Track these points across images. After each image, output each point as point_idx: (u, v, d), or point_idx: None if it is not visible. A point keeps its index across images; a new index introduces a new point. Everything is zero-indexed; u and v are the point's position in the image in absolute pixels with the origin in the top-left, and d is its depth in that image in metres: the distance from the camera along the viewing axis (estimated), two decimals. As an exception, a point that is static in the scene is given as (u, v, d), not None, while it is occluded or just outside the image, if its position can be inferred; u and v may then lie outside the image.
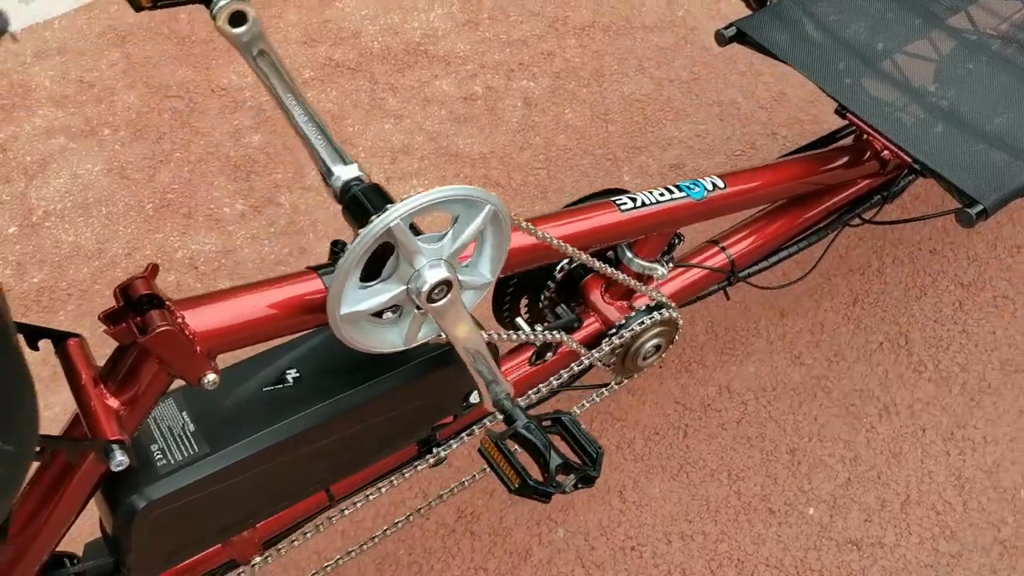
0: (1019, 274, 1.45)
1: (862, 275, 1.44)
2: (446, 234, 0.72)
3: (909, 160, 1.05)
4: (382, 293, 0.72)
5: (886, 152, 1.18)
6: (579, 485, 0.79)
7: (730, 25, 1.15)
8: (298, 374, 0.81)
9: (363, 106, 1.66)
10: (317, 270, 0.75)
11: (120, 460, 0.64)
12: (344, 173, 0.77)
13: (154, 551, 0.78)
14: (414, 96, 1.68)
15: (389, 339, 0.76)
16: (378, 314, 0.74)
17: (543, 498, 0.77)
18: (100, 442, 0.64)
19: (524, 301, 1.07)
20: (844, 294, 1.41)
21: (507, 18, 1.81)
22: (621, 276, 0.95)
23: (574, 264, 1.02)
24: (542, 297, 1.04)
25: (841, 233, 1.24)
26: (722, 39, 1.16)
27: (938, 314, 1.40)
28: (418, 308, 0.75)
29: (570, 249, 0.85)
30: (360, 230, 0.68)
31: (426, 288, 0.71)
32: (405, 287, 0.72)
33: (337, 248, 0.78)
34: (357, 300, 0.71)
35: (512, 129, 1.63)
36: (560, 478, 0.77)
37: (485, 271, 0.77)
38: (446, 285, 0.72)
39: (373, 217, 0.68)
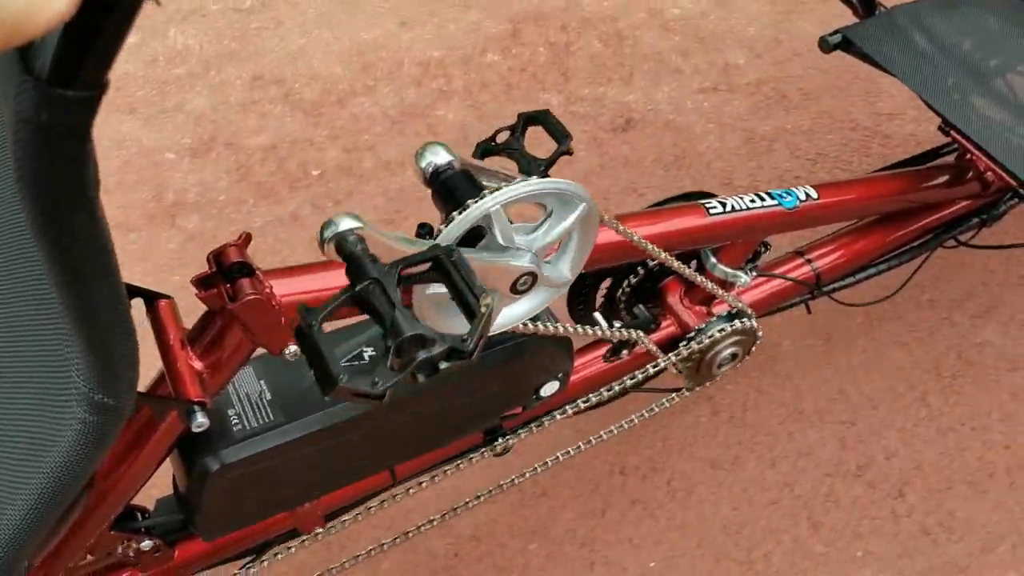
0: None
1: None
2: (539, 227, 0.72)
3: (1015, 183, 1.00)
4: None
5: (990, 173, 1.14)
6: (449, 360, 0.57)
7: (836, 32, 1.12)
8: (375, 353, 0.82)
9: None
10: None
11: (201, 421, 0.66)
12: (436, 158, 0.77)
13: (223, 513, 0.79)
14: None
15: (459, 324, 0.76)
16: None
17: (365, 398, 0.56)
18: (183, 402, 0.65)
19: (599, 298, 1.06)
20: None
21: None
22: (703, 281, 0.93)
23: (655, 265, 1.01)
24: (619, 295, 1.03)
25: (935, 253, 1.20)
26: (827, 46, 1.12)
27: None
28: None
29: (655, 250, 0.84)
30: (456, 213, 0.68)
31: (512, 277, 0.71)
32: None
33: (423, 231, 0.78)
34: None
35: None
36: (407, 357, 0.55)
37: (565, 270, 0.76)
38: (531, 276, 0.71)
39: (471, 200, 0.67)
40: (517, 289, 0.72)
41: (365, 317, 0.80)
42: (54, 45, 0.30)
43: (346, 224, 0.61)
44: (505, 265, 0.70)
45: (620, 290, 1.02)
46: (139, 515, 0.85)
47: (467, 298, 0.57)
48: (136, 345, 0.47)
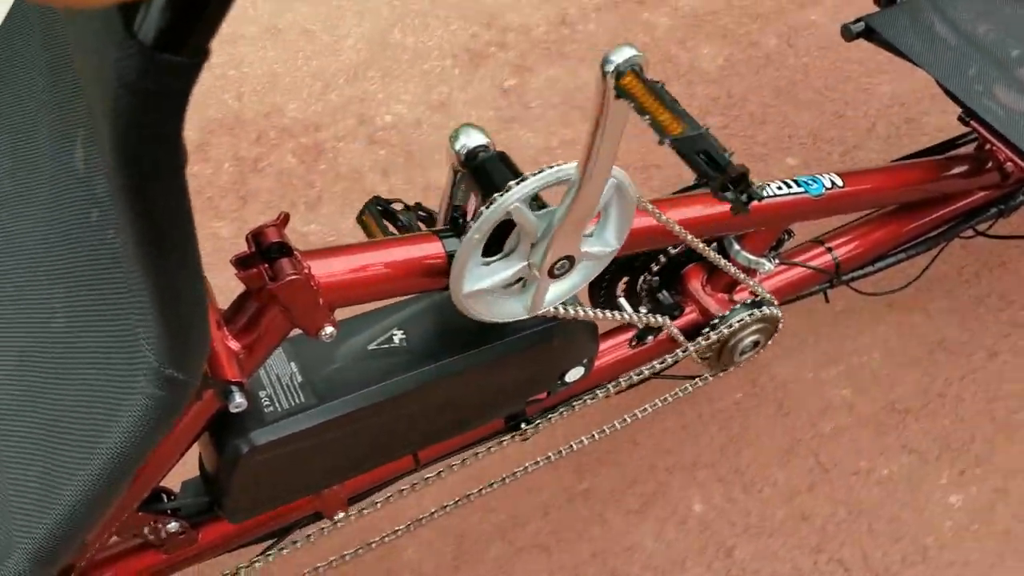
0: None
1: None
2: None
3: (1036, 174, 1.01)
4: (504, 269, 0.72)
5: (1009, 164, 1.14)
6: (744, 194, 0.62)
7: (859, 20, 1.12)
8: (404, 335, 0.81)
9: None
10: (439, 234, 0.75)
11: (239, 402, 0.65)
12: (470, 140, 0.77)
13: (251, 494, 0.79)
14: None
15: (510, 309, 0.76)
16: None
17: (713, 170, 0.60)
18: (221, 382, 0.65)
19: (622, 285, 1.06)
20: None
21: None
22: (730, 268, 0.93)
23: (678, 251, 1.01)
24: (641, 282, 1.03)
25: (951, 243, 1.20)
26: (849, 34, 1.12)
27: None
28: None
29: (688, 235, 0.84)
30: (482, 208, 0.68)
31: (544, 266, 0.70)
32: (527, 262, 0.72)
33: (456, 214, 0.78)
34: (480, 276, 0.72)
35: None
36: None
37: (611, 239, 0.76)
38: (568, 260, 0.71)
39: (496, 196, 0.67)
40: (554, 273, 0.71)
41: (385, 304, 0.81)
42: (160, 8, 0.29)
43: (625, 54, 0.61)
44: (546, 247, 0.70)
45: (643, 278, 1.02)
46: (165, 497, 0.84)
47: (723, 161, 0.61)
48: (208, 319, 0.46)
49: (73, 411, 0.50)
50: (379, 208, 0.86)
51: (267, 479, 0.78)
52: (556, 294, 0.76)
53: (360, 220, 0.86)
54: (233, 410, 0.65)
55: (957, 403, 1.27)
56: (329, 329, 0.69)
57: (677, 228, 0.83)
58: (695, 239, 0.86)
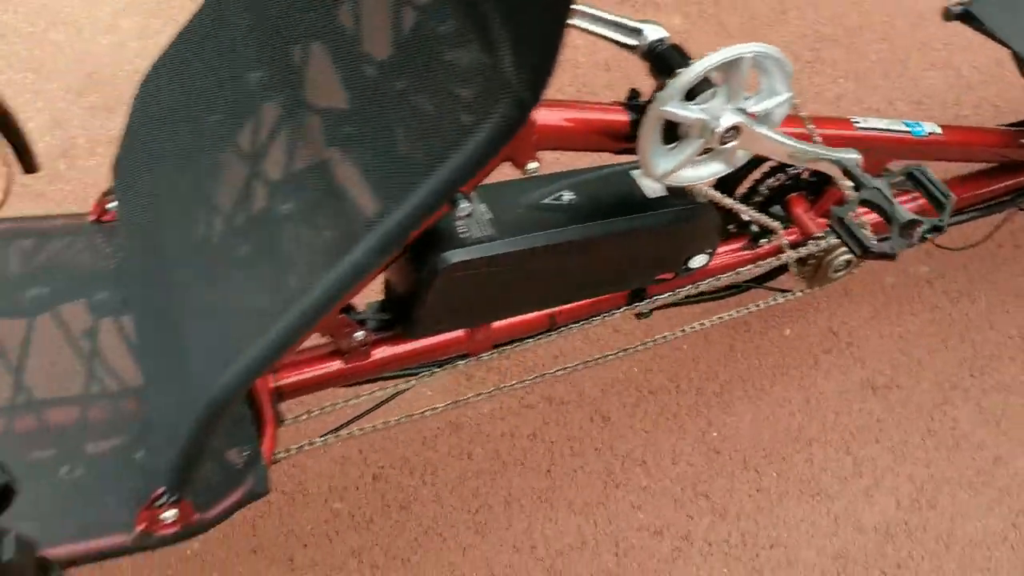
0: None
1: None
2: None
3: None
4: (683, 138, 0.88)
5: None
6: (928, 236, 0.92)
7: (959, 3, 1.27)
8: (574, 197, 0.97)
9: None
10: (625, 106, 0.90)
11: (464, 206, 0.80)
12: (651, 33, 0.92)
13: (439, 310, 0.94)
14: None
15: (687, 174, 0.92)
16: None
17: (886, 258, 0.90)
18: None
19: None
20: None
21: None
22: (840, 184, 1.08)
23: (793, 173, 1.16)
24: (755, 198, 1.18)
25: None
26: (949, 15, 1.27)
27: None
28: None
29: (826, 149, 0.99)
30: (666, 80, 0.84)
31: (720, 130, 0.86)
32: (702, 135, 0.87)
33: (633, 95, 0.93)
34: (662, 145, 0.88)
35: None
36: (908, 233, 0.90)
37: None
38: (736, 129, 0.87)
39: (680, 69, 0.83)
40: (724, 140, 0.87)
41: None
42: None
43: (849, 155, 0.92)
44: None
45: (758, 191, 1.17)
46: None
47: (937, 196, 0.94)
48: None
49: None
50: None
51: (455, 296, 0.93)
52: (722, 167, 0.92)
53: None
54: (460, 215, 0.81)
55: None
56: (533, 164, 0.84)
57: (818, 143, 0.98)
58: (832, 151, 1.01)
